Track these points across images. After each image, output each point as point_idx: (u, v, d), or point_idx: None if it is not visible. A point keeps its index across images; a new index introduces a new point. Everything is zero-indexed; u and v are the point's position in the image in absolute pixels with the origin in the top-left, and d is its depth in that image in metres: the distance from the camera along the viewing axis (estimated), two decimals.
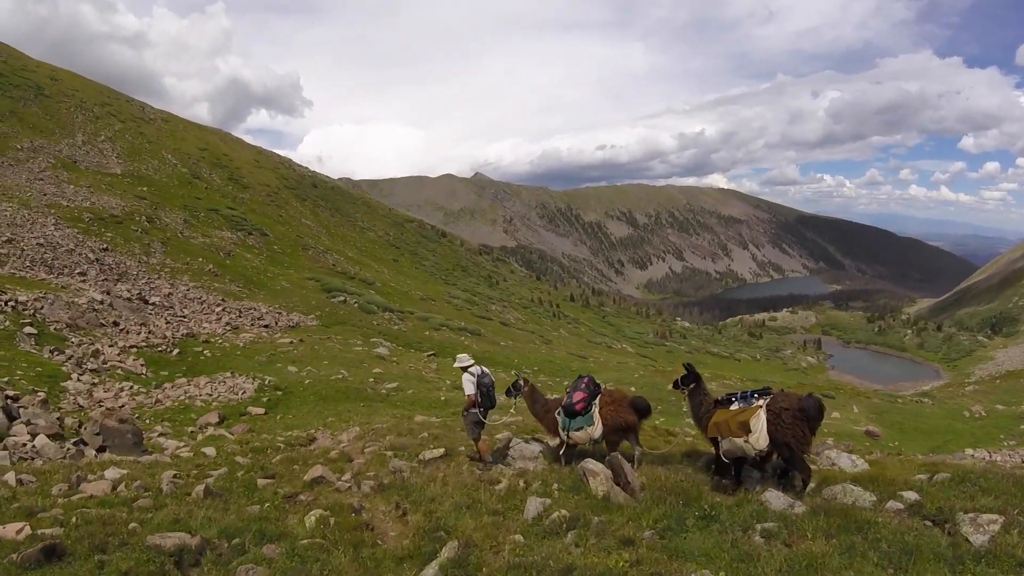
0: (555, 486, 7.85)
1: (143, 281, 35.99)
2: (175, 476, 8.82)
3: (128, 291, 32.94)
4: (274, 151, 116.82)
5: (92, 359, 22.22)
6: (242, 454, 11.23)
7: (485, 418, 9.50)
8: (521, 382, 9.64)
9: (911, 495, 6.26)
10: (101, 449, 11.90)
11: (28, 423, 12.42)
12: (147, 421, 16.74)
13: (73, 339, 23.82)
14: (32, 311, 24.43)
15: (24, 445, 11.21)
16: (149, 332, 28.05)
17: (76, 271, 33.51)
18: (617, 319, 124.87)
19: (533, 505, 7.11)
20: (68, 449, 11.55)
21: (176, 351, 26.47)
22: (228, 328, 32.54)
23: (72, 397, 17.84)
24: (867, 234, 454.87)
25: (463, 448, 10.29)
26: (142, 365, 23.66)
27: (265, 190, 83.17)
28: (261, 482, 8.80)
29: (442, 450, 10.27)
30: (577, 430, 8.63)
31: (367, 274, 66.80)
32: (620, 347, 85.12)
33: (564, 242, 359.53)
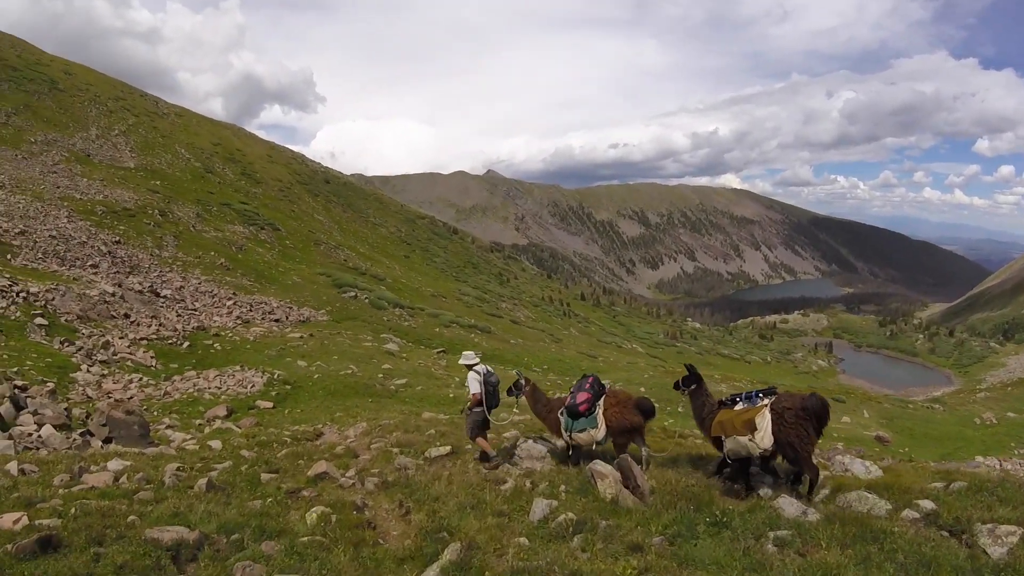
0: (562, 487, 7.67)
1: (155, 274, 36.23)
2: (178, 469, 8.77)
3: (140, 284, 33.15)
4: (287, 146, 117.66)
5: (102, 351, 22.33)
6: (248, 448, 11.21)
7: (491, 416, 9.35)
8: (522, 381, 9.45)
9: (927, 504, 6.06)
10: (107, 440, 11.93)
11: (35, 413, 12.45)
12: (155, 413, 16.79)
13: (84, 330, 23.94)
14: (43, 302, 24.57)
15: (30, 435, 11.23)
16: (160, 325, 28.20)
17: (88, 263, 33.71)
18: (628, 319, 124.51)
19: (539, 507, 6.93)
20: (74, 440, 11.56)
21: (186, 344, 26.57)
22: (239, 322, 32.70)
23: (81, 388, 17.88)
24: (880, 237, 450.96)
25: (469, 446, 10.15)
26: (152, 357, 23.77)
27: (278, 185, 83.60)
28: (265, 477, 8.75)
29: (448, 447, 10.15)
30: (580, 432, 8.38)
31: (378, 270, 66.96)
32: (630, 347, 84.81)
33: (576, 241, 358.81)
